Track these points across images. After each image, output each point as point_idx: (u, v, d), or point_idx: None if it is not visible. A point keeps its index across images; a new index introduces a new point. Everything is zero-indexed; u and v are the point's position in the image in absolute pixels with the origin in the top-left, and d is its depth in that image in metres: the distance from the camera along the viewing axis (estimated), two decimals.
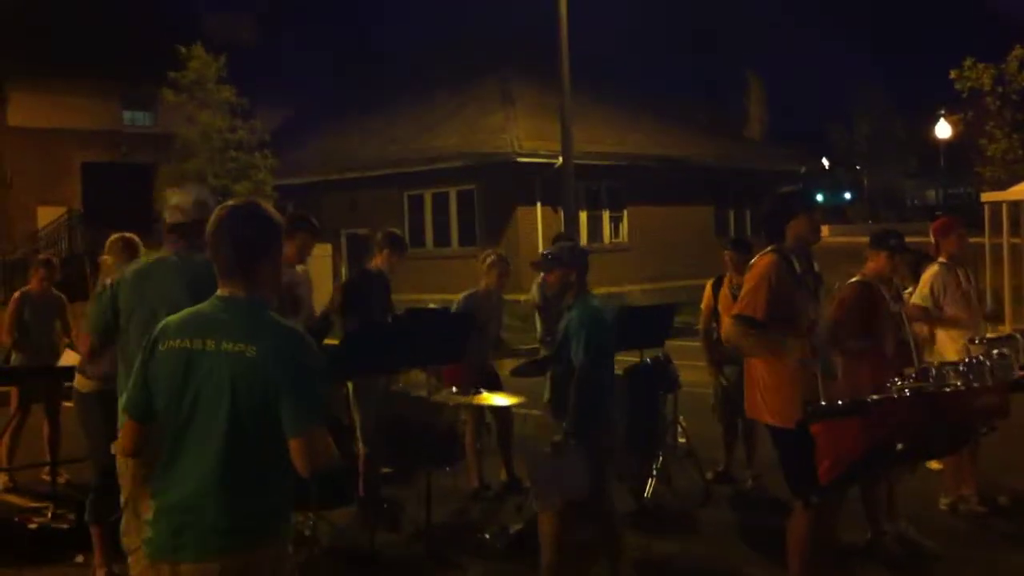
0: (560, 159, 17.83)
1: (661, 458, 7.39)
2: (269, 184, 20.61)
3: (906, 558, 5.97)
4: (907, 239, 6.49)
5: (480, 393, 6.27)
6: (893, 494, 6.16)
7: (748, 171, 26.20)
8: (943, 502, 6.97)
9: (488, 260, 7.88)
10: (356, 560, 6.20)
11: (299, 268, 6.56)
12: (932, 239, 7.22)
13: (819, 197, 69.59)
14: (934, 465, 7.31)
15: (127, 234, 6.69)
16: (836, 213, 60.48)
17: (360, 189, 23.57)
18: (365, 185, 23.53)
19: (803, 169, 30.09)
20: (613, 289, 22.18)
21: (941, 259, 7.03)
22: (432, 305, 10.10)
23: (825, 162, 60.61)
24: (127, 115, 28.41)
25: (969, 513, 6.85)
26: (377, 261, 7.23)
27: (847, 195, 68.40)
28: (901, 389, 4.60)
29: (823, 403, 4.46)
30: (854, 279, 6.10)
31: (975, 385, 4.65)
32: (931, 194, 70.66)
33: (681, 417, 8.38)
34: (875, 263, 6.01)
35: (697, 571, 6.14)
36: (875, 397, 4.55)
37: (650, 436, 7.32)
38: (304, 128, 27.30)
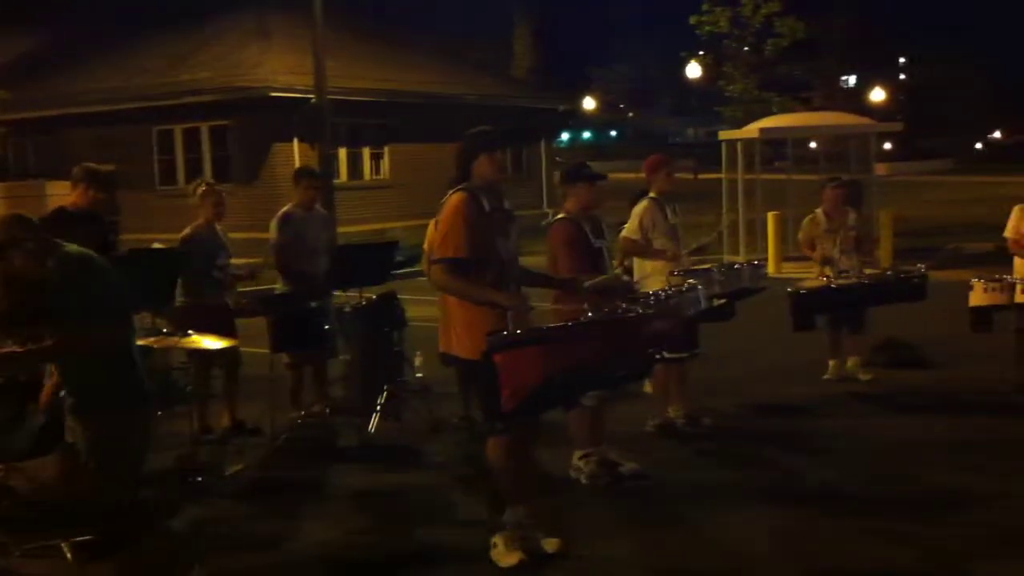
0: (316, 95, 17.50)
1: (387, 394, 7.47)
2: None
3: (609, 480, 6.28)
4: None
5: (189, 335, 6.12)
6: (599, 417, 6.44)
7: (512, 109, 26.51)
8: (650, 424, 7.38)
9: (199, 191, 7.57)
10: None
11: None
12: (644, 175, 7.55)
13: (587, 135, 71.96)
14: (648, 388, 7.72)
15: None
16: (599, 151, 62.33)
17: (106, 124, 22.33)
18: (111, 120, 22.31)
19: (561, 108, 30.72)
20: (376, 226, 22.12)
21: (652, 194, 7.36)
22: (157, 245, 9.66)
23: (591, 102, 62.23)
24: None
25: (673, 433, 7.29)
26: (75, 198, 6.77)
27: (612, 133, 70.56)
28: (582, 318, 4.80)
29: (503, 333, 4.59)
30: (558, 216, 6.30)
31: (649, 314, 4.90)
32: (690, 132, 74.00)
33: (418, 352, 8.54)
34: (576, 198, 6.20)
35: (423, 502, 6.26)
36: (551, 325, 4.75)
37: (375, 372, 7.40)
38: (48, 60, 25.60)
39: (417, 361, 8.50)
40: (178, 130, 22.55)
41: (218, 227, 7.57)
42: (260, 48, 22.47)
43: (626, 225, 7.38)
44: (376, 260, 7.85)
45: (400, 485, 6.53)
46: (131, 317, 4.51)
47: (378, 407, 7.31)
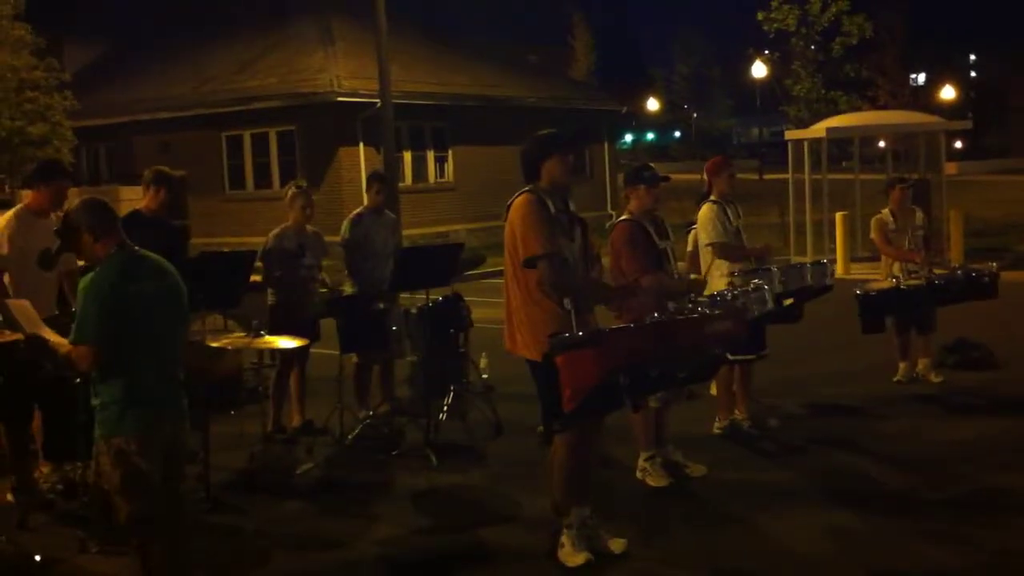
0: (381, 99, 17.67)
1: (453, 395, 7.54)
2: (66, 126, 19.64)
3: (675, 479, 6.28)
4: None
5: (261, 336, 6.23)
6: (663, 419, 6.44)
7: (573, 111, 26.52)
8: (716, 426, 7.35)
9: (289, 193, 7.77)
10: None
11: None
12: (705, 178, 7.51)
13: (650, 136, 71.58)
14: (713, 390, 7.69)
15: None
16: (662, 152, 62.05)
17: (175, 130, 22.77)
18: (180, 126, 22.74)
19: (624, 109, 30.65)
20: (439, 228, 22.29)
21: (713, 197, 7.32)
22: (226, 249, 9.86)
23: (654, 102, 61.95)
24: None
25: (740, 435, 7.25)
26: (147, 201, 6.94)
27: (676, 134, 70.12)
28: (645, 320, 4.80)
29: (564, 334, 4.61)
30: (621, 218, 6.30)
31: (708, 313, 4.89)
32: (754, 132, 73.26)
33: (484, 354, 8.60)
34: (637, 200, 6.20)
35: (478, 502, 6.31)
36: (611, 327, 4.76)
37: (440, 374, 7.47)
38: (117, 68, 26.16)
39: (482, 362, 8.57)
40: (246, 135, 22.91)
41: (309, 228, 7.76)
42: (325, 54, 22.73)
43: (698, 232, 7.32)
44: (441, 262, 7.92)
45: (463, 485, 6.59)
46: (175, 325, 4.47)
47: (443, 407, 7.38)
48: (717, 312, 4.93)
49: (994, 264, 8.71)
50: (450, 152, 24.27)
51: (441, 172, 24.31)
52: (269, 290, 7.62)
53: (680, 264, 7.05)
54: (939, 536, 5.39)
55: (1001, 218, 23.65)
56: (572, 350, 4.48)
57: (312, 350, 7.65)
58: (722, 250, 7.06)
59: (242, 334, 6.45)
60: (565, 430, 4.89)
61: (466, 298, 8.05)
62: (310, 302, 7.76)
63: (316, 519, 6.09)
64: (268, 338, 6.31)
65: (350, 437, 7.31)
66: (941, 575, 5.02)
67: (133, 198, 17.77)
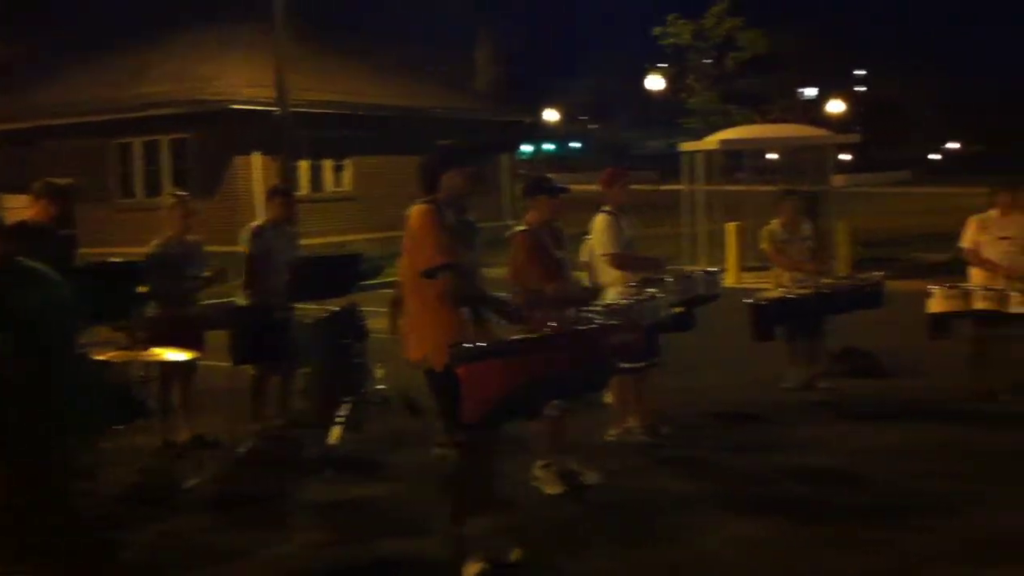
0: (278, 108, 17.49)
1: (350, 406, 7.47)
2: None
3: (570, 487, 6.32)
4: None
5: (148, 348, 6.09)
6: (561, 427, 6.48)
7: (475, 122, 26.57)
8: (610, 434, 7.42)
9: (168, 203, 7.68)
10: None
11: None
12: (600, 189, 7.59)
13: (550, 147, 72.18)
14: (608, 398, 7.76)
15: None
16: (562, 163, 62.62)
17: (66, 137, 22.12)
18: (68, 133, 22.10)
19: (524, 120, 30.83)
20: (337, 238, 22.07)
21: (608, 208, 7.40)
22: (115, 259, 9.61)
23: (554, 114, 62.47)
24: None
25: (633, 443, 7.33)
26: (35, 213, 6.76)
27: (574, 145, 70.84)
28: (545, 330, 4.86)
29: (467, 345, 4.63)
30: (520, 228, 6.34)
31: (609, 324, 4.95)
32: (653, 144, 74.41)
33: (380, 364, 8.54)
34: (537, 210, 6.25)
35: (377, 514, 6.26)
36: (515, 337, 4.79)
37: (336, 384, 7.40)
38: (14, 72, 25.35)
39: (378, 373, 8.51)
40: (136, 143, 22.39)
41: (191, 239, 7.63)
42: (221, 61, 22.37)
43: (592, 241, 7.38)
44: (338, 272, 7.85)
45: (361, 497, 6.53)
46: (69, 339, 4.39)
47: (339, 419, 7.31)
48: (615, 322, 4.98)
49: (880, 274, 9.01)
50: (348, 162, 24.09)
51: (339, 182, 24.11)
52: (152, 302, 7.43)
53: (577, 274, 7.13)
54: (843, 542, 5.51)
55: (888, 229, 24.44)
56: (475, 361, 4.49)
57: (206, 362, 7.51)
58: (617, 260, 7.15)
59: (128, 346, 6.30)
60: (466, 440, 4.89)
61: (364, 308, 8.01)
62: (193, 313, 7.60)
63: (209, 534, 5.97)
64: (154, 350, 6.17)
65: (243, 450, 7.19)
66: None
67: (19, 206, 17.23)
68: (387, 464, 7.19)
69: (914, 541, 5.48)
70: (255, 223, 8.01)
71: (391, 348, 7.91)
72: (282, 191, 8.38)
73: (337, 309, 7.64)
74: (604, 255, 7.17)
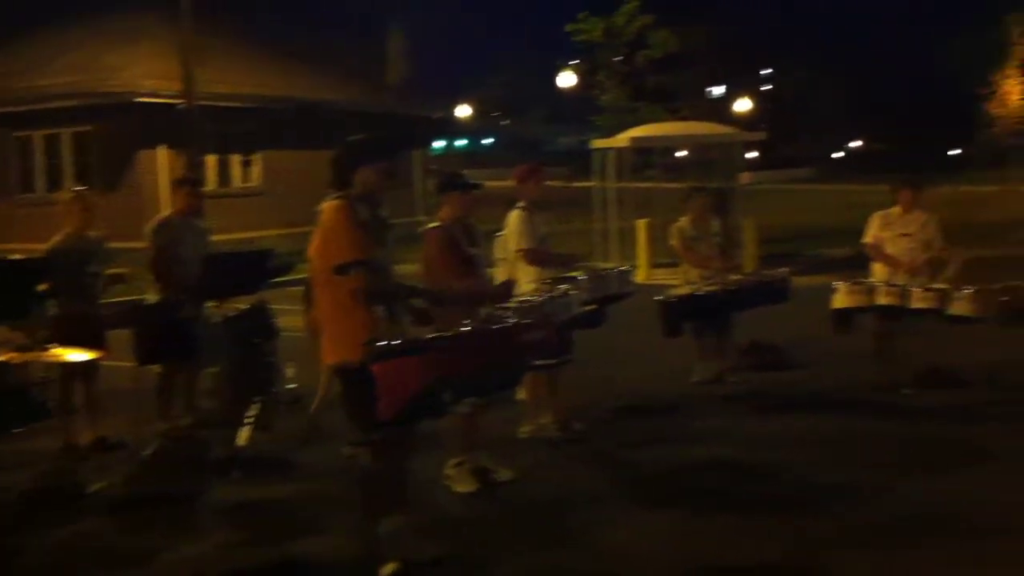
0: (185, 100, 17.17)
1: (260, 405, 7.34)
2: None
3: (483, 485, 6.32)
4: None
5: (48, 348, 5.90)
6: (474, 425, 6.46)
7: (386, 116, 26.39)
8: (523, 430, 7.44)
9: (67, 198, 7.46)
10: None
11: None
12: (515, 185, 7.60)
13: (461, 142, 72.10)
14: (521, 395, 7.77)
15: None
16: (475, 159, 62.56)
17: None
18: None
19: (436, 115, 30.76)
20: (246, 234, 21.72)
21: (522, 204, 7.41)
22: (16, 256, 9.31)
23: (466, 109, 62.41)
24: None
25: (547, 439, 7.36)
26: None
27: (486, 141, 70.88)
28: (460, 328, 4.83)
29: (382, 343, 4.59)
30: (432, 225, 6.31)
31: (522, 321, 4.95)
32: (565, 140, 74.88)
33: (290, 363, 8.42)
34: (450, 206, 6.23)
35: (289, 514, 6.17)
36: (431, 335, 4.76)
37: (245, 384, 7.27)
38: None
39: (289, 372, 8.40)
40: (37, 136, 21.76)
41: (92, 234, 7.43)
42: (125, 52, 21.87)
43: (506, 236, 7.38)
44: (248, 269, 7.71)
45: (271, 497, 6.43)
46: None
47: (248, 419, 7.18)
48: (530, 320, 4.99)
49: (786, 270, 9.20)
50: (257, 156, 23.75)
51: (247, 176, 23.75)
52: (52, 300, 7.18)
53: (491, 270, 7.13)
54: (752, 531, 5.60)
55: (793, 225, 24.95)
56: (390, 359, 4.45)
57: (109, 362, 7.32)
58: (531, 256, 7.16)
59: (28, 346, 6.11)
60: (380, 439, 4.85)
61: (274, 306, 7.88)
62: (96, 311, 7.39)
63: (113, 538, 5.83)
64: (54, 350, 5.99)
65: (149, 452, 7.01)
66: (759, 568, 5.21)
67: None
68: (298, 464, 7.09)
69: (820, 528, 5.59)
70: (160, 216, 7.83)
71: (302, 346, 7.88)
72: (189, 181, 8.21)
73: (246, 307, 7.50)
74: (518, 251, 7.18)
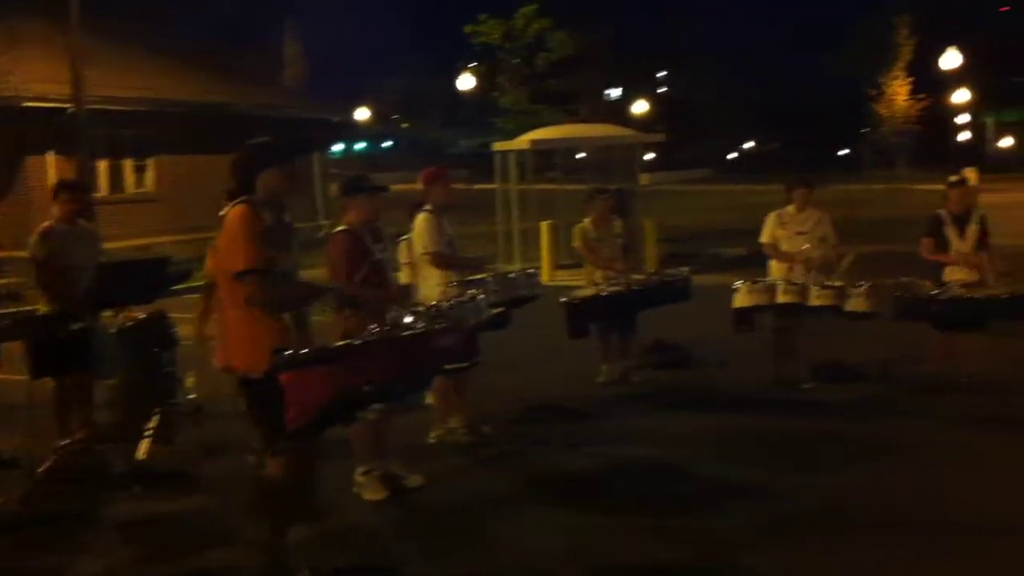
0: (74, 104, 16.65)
1: (159, 417, 7.15)
2: None
3: (393, 491, 6.26)
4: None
5: None
6: (383, 431, 6.40)
7: (284, 120, 26.01)
8: (431, 435, 7.40)
9: None
10: None
11: None
12: (421, 187, 7.55)
13: (360, 145, 71.58)
14: (429, 400, 7.73)
15: None
16: (375, 163, 62.24)
17: None
18: None
19: (335, 118, 30.46)
20: (140, 241, 21.19)
21: (429, 207, 7.37)
22: None
23: (365, 112, 61.97)
24: None
25: (456, 444, 7.33)
26: None
27: (386, 144, 70.46)
28: (370, 335, 4.77)
29: (290, 352, 4.50)
30: (339, 228, 6.23)
31: (434, 327, 4.92)
32: (466, 143, 74.90)
33: (190, 373, 8.22)
34: (356, 210, 6.16)
35: (192, 528, 6.03)
36: (339, 343, 4.69)
37: (144, 395, 7.08)
38: None
39: (189, 382, 8.19)
40: None
41: None
42: (11, 55, 21.10)
43: (413, 240, 7.32)
44: (144, 277, 7.50)
45: (173, 511, 6.27)
46: None
47: (148, 432, 6.99)
48: (442, 326, 4.95)
49: (687, 269, 9.34)
50: (152, 161, 23.20)
51: (141, 182, 23.18)
52: None
53: (397, 274, 7.08)
54: (662, 531, 5.66)
55: (690, 225, 25.38)
56: (299, 367, 4.37)
57: (3, 376, 7.07)
58: (439, 259, 7.12)
59: None
60: (287, 448, 4.75)
61: (172, 314, 7.69)
62: None
63: (12, 556, 5.61)
64: None
65: (45, 468, 6.78)
66: (667, 569, 5.26)
67: None
68: (200, 476, 6.93)
69: (730, 527, 5.68)
70: (43, 225, 7.51)
71: (202, 355, 7.69)
72: (68, 186, 7.84)
73: (144, 316, 7.30)
74: (425, 254, 7.14)
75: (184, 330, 7.77)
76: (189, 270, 9.12)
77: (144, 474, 6.64)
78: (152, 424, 7.01)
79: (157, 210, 22.64)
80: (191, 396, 8.07)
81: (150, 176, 23.28)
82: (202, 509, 6.29)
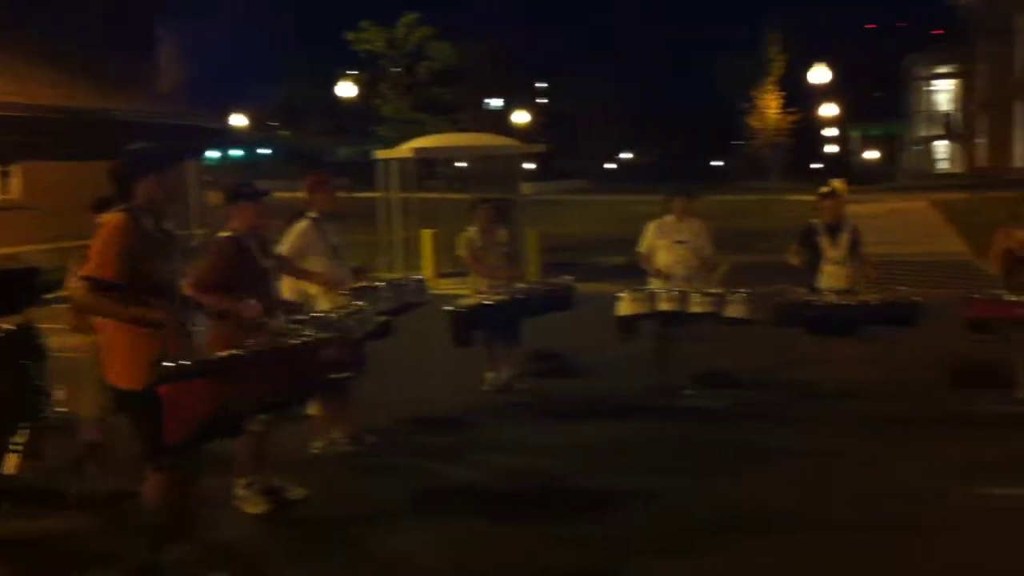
0: None
1: (28, 432, 6.87)
2: None
3: (275, 504, 6.14)
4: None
5: None
6: (264, 443, 6.27)
7: (159, 126, 25.33)
8: (314, 446, 7.28)
9: None
10: None
11: None
12: (305, 195, 7.43)
13: (237, 152, 70.32)
14: (312, 410, 7.60)
15: None
16: (253, 169, 61.18)
17: None
18: None
19: (210, 125, 29.83)
20: (7, 250, 20.37)
21: (311, 214, 7.26)
22: None
23: (242, 119, 60.93)
24: None
25: (338, 454, 7.23)
26: None
27: (263, 151, 69.35)
28: (252, 345, 4.68)
29: (171, 364, 4.37)
30: (223, 234, 6.08)
31: (320, 337, 4.85)
32: (345, 151, 74.30)
33: (61, 386, 7.91)
34: (239, 216, 6.01)
35: (65, 548, 5.80)
36: (222, 355, 4.58)
37: (12, 409, 6.78)
38: None
39: (59, 395, 7.89)
40: None
41: None
42: None
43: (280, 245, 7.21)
44: (12, 287, 7.20)
45: (43, 530, 6.02)
46: None
47: (15, 447, 6.69)
48: (327, 336, 4.88)
49: (570, 278, 9.42)
50: (17, 167, 22.33)
51: (6, 189, 22.30)
52: None
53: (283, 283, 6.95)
54: (549, 539, 5.68)
55: (570, 235, 25.64)
56: (180, 380, 4.24)
57: None
58: (286, 264, 6.96)
59: None
60: (167, 462, 4.61)
61: (42, 325, 7.39)
62: None
63: None
64: None
65: None
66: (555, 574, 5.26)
67: None
68: (70, 493, 6.66)
69: (616, 533, 5.73)
70: None
71: (72, 368, 7.42)
72: None
73: (12, 327, 7.00)
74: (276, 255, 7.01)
75: (54, 341, 7.48)
76: (59, 279, 8.79)
77: (12, 491, 6.36)
78: (20, 439, 6.72)
79: (23, 218, 21.79)
80: (61, 410, 7.77)
81: (16, 183, 22.41)
82: (75, 527, 6.05)
